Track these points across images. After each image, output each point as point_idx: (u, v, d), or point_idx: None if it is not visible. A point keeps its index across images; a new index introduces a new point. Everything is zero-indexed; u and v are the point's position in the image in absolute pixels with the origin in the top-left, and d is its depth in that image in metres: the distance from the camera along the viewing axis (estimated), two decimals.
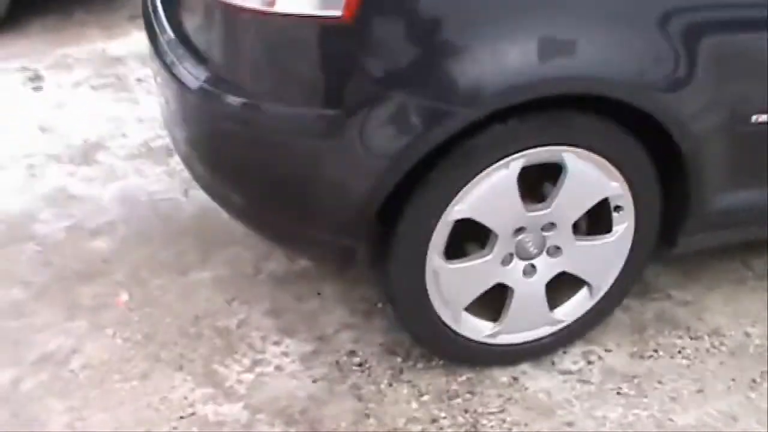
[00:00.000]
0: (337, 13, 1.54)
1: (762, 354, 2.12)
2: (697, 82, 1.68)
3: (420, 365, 2.08)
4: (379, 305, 2.25)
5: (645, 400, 2.00)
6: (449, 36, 1.58)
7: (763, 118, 1.79)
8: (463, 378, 2.05)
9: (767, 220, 2.01)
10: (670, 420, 1.94)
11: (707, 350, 2.14)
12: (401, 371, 2.06)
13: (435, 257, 1.82)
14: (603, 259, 1.98)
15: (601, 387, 2.04)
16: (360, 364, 2.08)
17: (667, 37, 1.63)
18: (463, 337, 1.97)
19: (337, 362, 2.09)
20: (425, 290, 1.87)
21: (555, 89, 1.64)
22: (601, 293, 2.03)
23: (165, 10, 1.97)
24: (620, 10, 1.62)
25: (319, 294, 2.29)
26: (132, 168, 2.84)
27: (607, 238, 1.94)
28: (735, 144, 1.80)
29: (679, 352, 2.13)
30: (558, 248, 1.91)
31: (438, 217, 1.76)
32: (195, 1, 1.81)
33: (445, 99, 1.59)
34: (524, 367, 2.08)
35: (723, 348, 2.14)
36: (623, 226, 1.93)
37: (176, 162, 2.76)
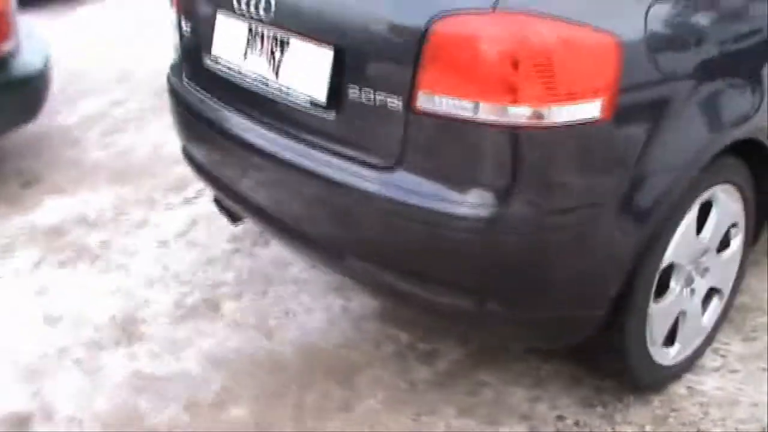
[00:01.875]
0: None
1: None
2: None
3: (619, 405, 2.34)
4: (542, 372, 2.47)
5: None
6: None
7: None
8: (656, 402, 2.35)
9: None
10: None
11: None
12: (612, 416, 2.31)
13: (651, 302, 2.13)
14: (729, 268, 2.42)
15: (747, 370, 2.47)
16: (576, 423, 2.29)
17: None
18: (660, 366, 2.29)
19: (558, 430, 2.28)
20: (644, 334, 2.17)
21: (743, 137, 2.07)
22: (726, 297, 2.47)
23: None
24: None
25: (485, 383, 2.44)
26: (190, 332, 2.72)
27: (731, 250, 2.39)
28: None
29: None
30: (707, 269, 2.32)
31: (658, 265, 2.09)
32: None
33: None
34: (687, 377, 2.44)
35: None
36: (738, 239, 2.39)
37: (229, 310, 2.74)
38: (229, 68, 2.34)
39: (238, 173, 2.43)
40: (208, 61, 2.44)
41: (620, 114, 1.83)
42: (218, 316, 2.78)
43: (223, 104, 2.40)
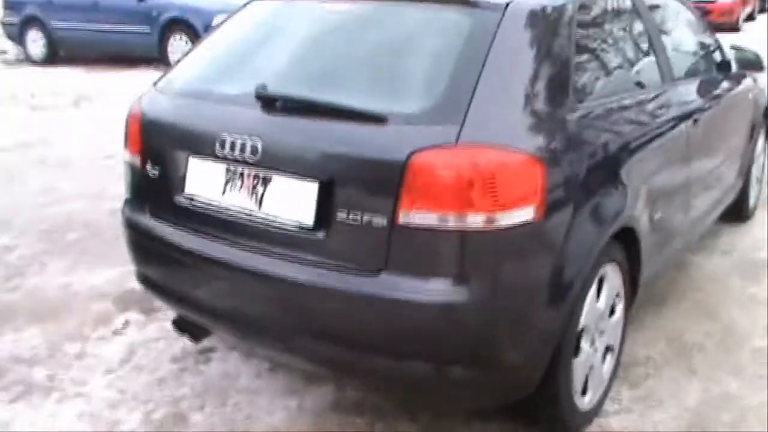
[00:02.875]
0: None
1: None
2: None
3: None
4: None
5: None
6: None
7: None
8: None
9: None
10: None
11: None
12: None
13: (573, 359, 2.75)
14: (617, 329, 3.09)
15: (639, 409, 3.12)
16: None
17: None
18: (580, 411, 2.89)
19: None
20: (570, 385, 2.77)
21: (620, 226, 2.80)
22: (616, 352, 3.14)
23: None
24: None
25: None
26: None
27: (617, 315, 3.07)
28: None
29: None
30: (603, 331, 2.97)
31: (576, 328, 2.72)
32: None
33: None
34: (596, 421, 3.04)
35: None
36: (621, 305, 3.08)
37: (197, 420, 3.06)
38: (208, 205, 2.76)
39: (216, 291, 2.81)
40: (181, 199, 2.83)
41: (547, 215, 2.45)
42: (189, 425, 3.05)
43: (202, 234, 2.79)
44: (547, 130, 2.55)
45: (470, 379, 2.52)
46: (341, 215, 2.45)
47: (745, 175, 4.80)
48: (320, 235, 2.50)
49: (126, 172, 3.13)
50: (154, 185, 2.95)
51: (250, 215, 2.65)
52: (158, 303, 3.86)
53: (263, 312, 2.69)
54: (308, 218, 2.52)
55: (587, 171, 2.67)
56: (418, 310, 2.40)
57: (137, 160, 2.99)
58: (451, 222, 2.33)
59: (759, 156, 5.08)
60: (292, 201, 2.56)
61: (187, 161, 2.81)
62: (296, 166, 2.55)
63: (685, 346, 3.60)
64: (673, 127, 3.40)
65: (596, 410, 3.02)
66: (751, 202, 5.13)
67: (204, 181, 2.78)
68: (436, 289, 2.38)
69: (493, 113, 2.42)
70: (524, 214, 2.40)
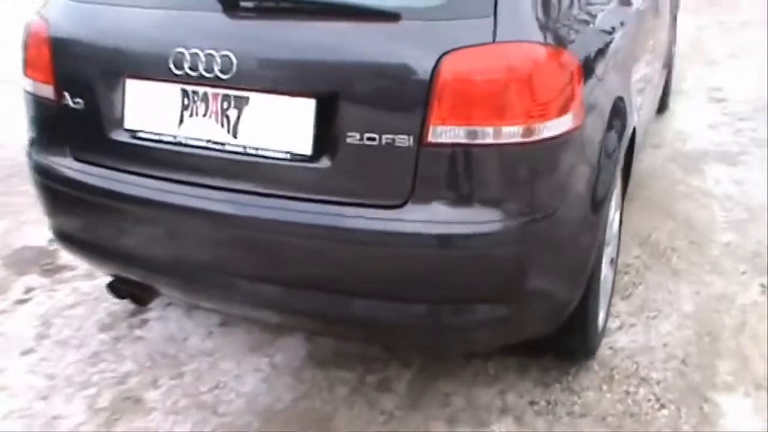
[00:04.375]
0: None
1: None
2: None
3: (570, 378, 2.60)
4: (491, 370, 2.67)
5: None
6: None
7: None
8: (595, 366, 2.66)
9: None
10: None
11: None
12: (570, 388, 2.57)
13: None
14: (615, 239, 2.84)
15: (640, 321, 2.90)
16: (548, 402, 2.52)
17: None
18: (598, 332, 2.63)
19: (537, 412, 2.49)
20: (597, 307, 2.49)
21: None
22: (616, 264, 2.89)
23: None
24: None
25: (449, 393, 2.58)
26: None
27: (615, 223, 2.81)
28: None
29: None
30: (608, 242, 2.68)
31: (603, 243, 2.43)
32: None
33: None
34: (604, 340, 2.79)
35: None
36: (618, 213, 2.82)
37: (154, 400, 2.57)
38: (159, 140, 2.19)
39: (175, 245, 2.27)
40: (118, 135, 2.25)
41: (584, 122, 2.10)
42: (147, 408, 2.54)
43: (151, 178, 2.23)
44: (579, 28, 2.18)
45: (511, 317, 2.17)
46: (350, 139, 1.98)
47: (669, 65, 4.67)
48: (322, 165, 2.03)
49: (29, 105, 2.48)
50: (75, 120, 2.33)
51: (222, 148, 2.12)
52: (63, 260, 3.24)
53: (243, 265, 2.19)
54: (304, 145, 2.03)
55: (610, 71, 2.34)
56: (457, 245, 2.00)
57: (47, 90, 2.35)
58: (490, 136, 1.92)
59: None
60: (280, 125, 2.06)
61: (123, 86, 2.22)
62: (283, 82, 2.04)
63: (658, 248, 3.43)
64: (639, 22, 3.12)
65: (603, 329, 2.78)
66: None
67: (151, 110, 2.21)
68: (477, 218, 1.99)
69: (524, 5, 2.00)
70: (565, 121, 2.02)
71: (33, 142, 2.51)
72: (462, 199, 1.98)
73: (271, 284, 2.16)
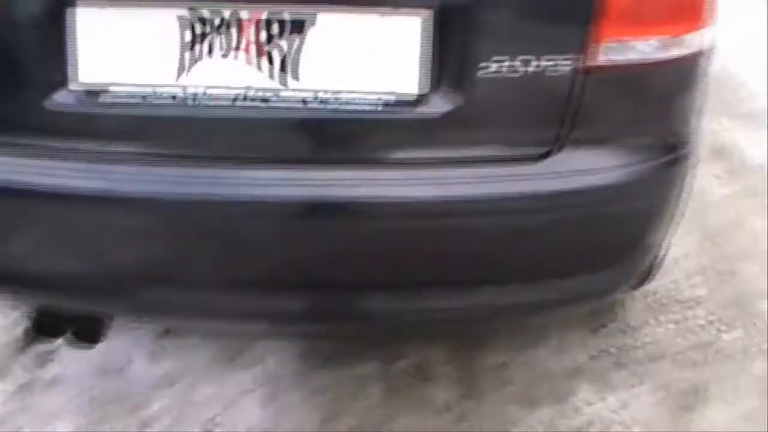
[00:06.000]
0: None
1: None
2: None
3: (630, 322, 2.22)
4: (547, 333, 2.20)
5: None
6: None
7: None
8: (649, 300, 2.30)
9: None
10: None
11: None
12: (634, 334, 2.19)
13: None
14: None
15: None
16: (618, 349, 2.14)
17: None
18: None
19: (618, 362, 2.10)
20: None
21: None
22: None
23: None
24: None
25: (507, 364, 2.10)
26: None
27: None
28: None
29: None
30: None
31: None
32: None
33: None
34: None
35: None
36: None
37: None
38: (142, 100, 1.38)
39: (178, 251, 1.51)
40: (62, 102, 1.40)
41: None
42: None
43: (126, 158, 1.43)
44: None
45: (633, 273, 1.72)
46: (482, 70, 1.35)
47: None
48: (435, 110, 1.38)
49: None
50: None
51: (266, 101, 1.38)
52: None
53: (322, 269, 1.50)
54: (409, 84, 1.37)
55: None
56: (626, 197, 1.49)
57: None
58: (672, 49, 1.40)
59: None
60: (369, 57, 1.36)
61: (66, 20, 1.35)
62: None
63: None
64: None
65: None
66: None
67: (124, 56, 1.38)
68: (648, 161, 1.48)
69: None
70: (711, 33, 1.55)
71: None
72: (632, 137, 1.46)
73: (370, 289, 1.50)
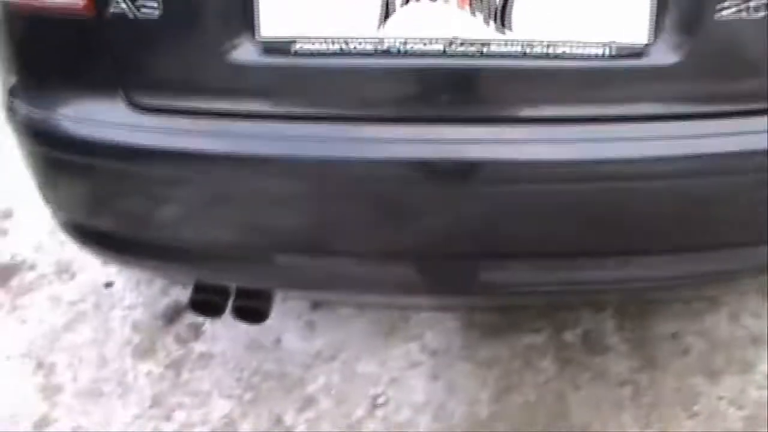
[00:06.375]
0: None
1: None
2: None
3: None
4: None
5: None
6: None
7: None
8: None
9: None
10: None
11: None
12: None
13: None
14: None
15: None
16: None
17: None
18: None
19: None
20: None
21: None
22: None
23: None
24: None
25: (678, 334, 1.95)
26: None
27: None
28: None
29: None
30: None
31: None
32: None
33: None
34: None
35: None
36: None
37: None
38: (341, 51, 1.25)
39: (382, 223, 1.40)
40: (243, 58, 1.27)
41: None
42: None
43: (334, 121, 1.30)
44: None
45: None
46: (723, 12, 1.19)
47: None
48: (664, 60, 1.23)
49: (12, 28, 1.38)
50: (137, 43, 1.30)
51: (481, 52, 1.23)
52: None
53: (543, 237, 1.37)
54: (638, 32, 1.22)
55: None
56: None
57: None
58: None
59: None
60: (589, 4, 1.20)
61: None
62: None
63: None
64: None
65: None
66: None
67: (312, 5, 1.24)
68: None
69: None
70: None
71: (24, 87, 1.42)
72: None
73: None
